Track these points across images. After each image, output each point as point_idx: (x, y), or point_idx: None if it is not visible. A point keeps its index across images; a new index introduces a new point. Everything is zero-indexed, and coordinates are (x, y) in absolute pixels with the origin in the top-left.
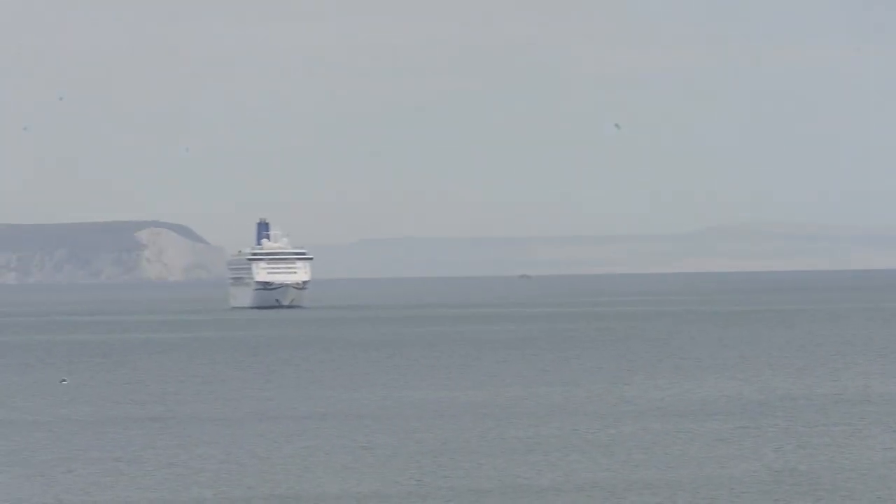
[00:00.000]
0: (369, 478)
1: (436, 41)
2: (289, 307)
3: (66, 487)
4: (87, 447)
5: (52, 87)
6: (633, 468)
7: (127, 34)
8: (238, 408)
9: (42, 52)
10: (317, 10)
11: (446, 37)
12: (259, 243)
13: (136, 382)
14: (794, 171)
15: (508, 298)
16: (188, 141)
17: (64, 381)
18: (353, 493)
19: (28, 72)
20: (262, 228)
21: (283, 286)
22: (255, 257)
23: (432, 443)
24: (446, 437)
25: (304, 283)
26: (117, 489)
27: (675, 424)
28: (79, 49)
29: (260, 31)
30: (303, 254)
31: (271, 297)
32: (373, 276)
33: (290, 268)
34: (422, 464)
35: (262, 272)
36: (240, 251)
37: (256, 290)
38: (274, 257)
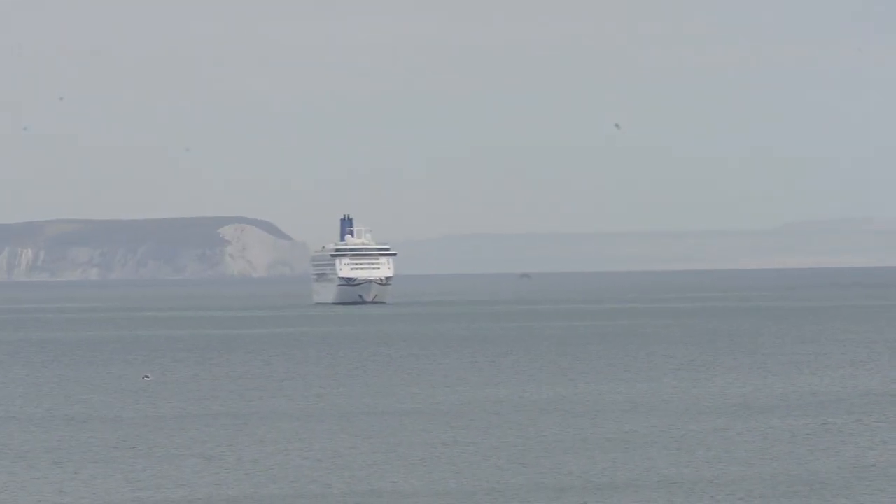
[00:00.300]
0: (447, 475)
1: (523, 40)
2: (372, 303)
3: (145, 483)
4: (167, 444)
5: (77, 87)
6: (712, 464)
7: (213, 27)
8: (318, 404)
9: (110, 52)
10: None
11: (527, 36)
12: (343, 239)
13: (218, 379)
14: (879, 166)
15: (591, 294)
16: (272, 136)
17: (147, 377)
18: (430, 491)
19: (88, 72)
20: (346, 224)
21: (366, 282)
22: (339, 253)
23: (513, 439)
24: (527, 433)
25: (388, 279)
26: (197, 485)
27: (756, 421)
28: (161, 45)
29: (340, 24)
30: (386, 250)
31: (354, 294)
32: (457, 272)
33: (373, 264)
34: (501, 460)
35: (345, 268)
36: (323, 247)
37: (340, 286)
38: (357, 253)
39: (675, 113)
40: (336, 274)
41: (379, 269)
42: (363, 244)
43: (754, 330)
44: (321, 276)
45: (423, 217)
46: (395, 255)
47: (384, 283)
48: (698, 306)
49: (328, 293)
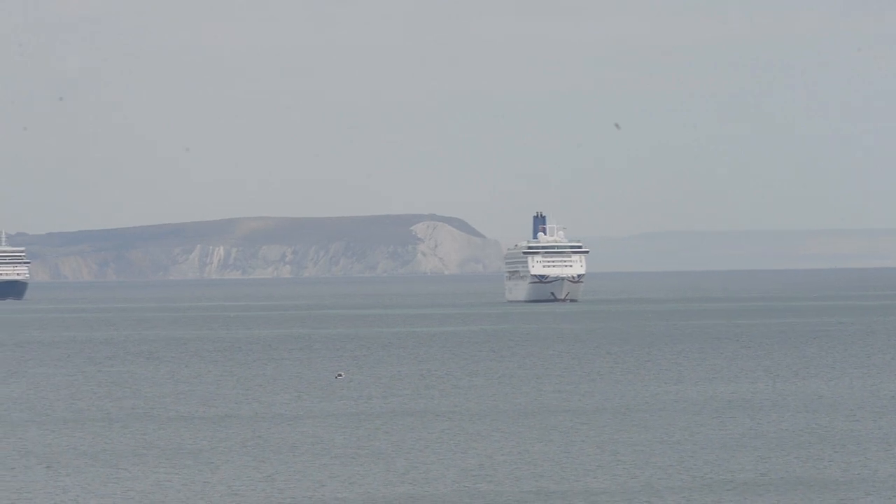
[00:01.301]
0: (613, 473)
1: (712, 40)
2: (564, 301)
3: (319, 480)
4: (345, 442)
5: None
6: (870, 464)
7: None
8: (503, 402)
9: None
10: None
11: (717, 35)
12: (535, 237)
13: (405, 377)
14: None
15: (775, 292)
16: (465, 134)
17: (340, 375)
18: (597, 489)
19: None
20: (539, 222)
21: (558, 280)
22: (531, 251)
23: (678, 436)
24: (694, 431)
25: (580, 276)
26: (368, 482)
27: None
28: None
29: (536, 23)
30: (578, 247)
31: (547, 291)
32: (649, 270)
33: (565, 261)
34: (663, 458)
35: (537, 266)
36: (516, 245)
37: (532, 283)
38: (550, 251)
39: (862, 108)
40: (528, 271)
41: (571, 266)
42: (556, 242)
43: None
44: (514, 274)
45: (617, 214)
46: (587, 252)
47: (576, 280)
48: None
49: (521, 291)
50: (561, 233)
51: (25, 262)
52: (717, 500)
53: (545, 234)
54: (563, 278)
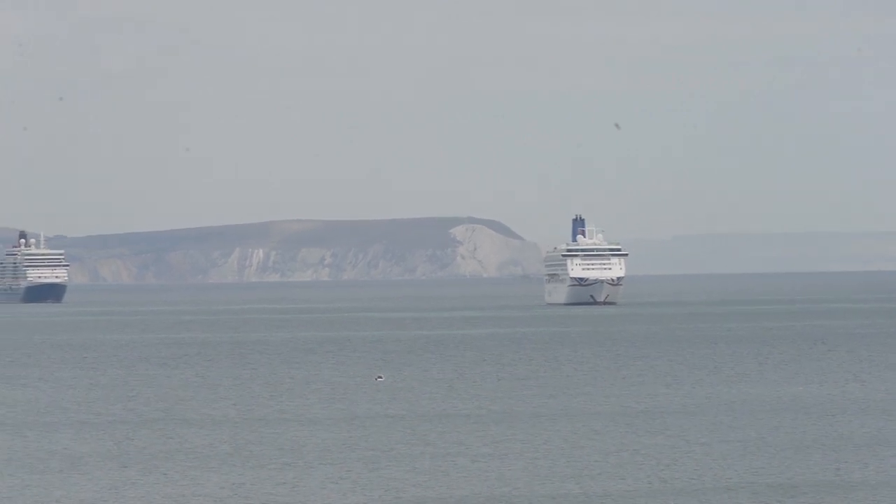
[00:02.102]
0: (678, 473)
1: (766, 39)
2: (603, 303)
3: (370, 481)
4: (394, 443)
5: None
6: None
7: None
8: (544, 405)
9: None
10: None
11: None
12: (574, 239)
13: (450, 380)
14: None
15: (814, 294)
16: (502, 136)
17: (380, 378)
18: (661, 490)
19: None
20: (578, 224)
21: (597, 282)
22: (570, 253)
23: (745, 438)
24: (761, 432)
25: (619, 279)
26: (426, 486)
27: None
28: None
29: (589, 25)
30: (618, 250)
31: (586, 294)
32: (689, 273)
33: (604, 264)
34: (731, 459)
35: (576, 268)
36: (555, 247)
37: (571, 286)
38: (589, 253)
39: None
40: (567, 274)
41: (610, 269)
42: (595, 244)
43: None
44: (553, 277)
45: (655, 217)
46: (626, 255)
47: (615, 283)
48: None
49: (560, 293)
50: (600, 235)
51: (65, 265)
52: (788, 501)
53: (584, 236)
54: (602, 281)
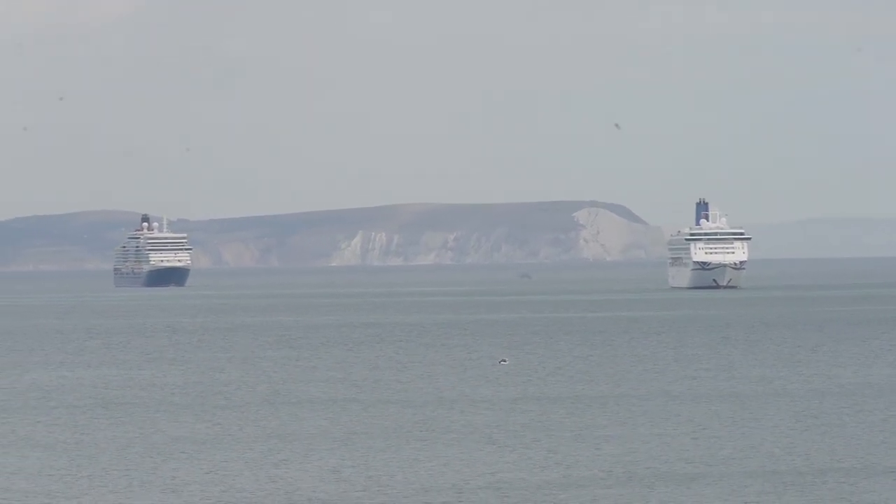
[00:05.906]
0: (745, 458)
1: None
2: (726, 288)
3: (478, 465)
4: (505, 425)
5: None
6: None
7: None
8: (665, 387)
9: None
10: None
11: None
12: (698, 223)
13: (572, 363)
14: None
15: None
16: (621, 120)
17: (504, 361)
18: (733, 473)
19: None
20: (702, 208)
21: (720, 266)
22: (693, 237)
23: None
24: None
25: (742, 263)
26: (546, 469)
27: None
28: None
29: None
30: (741, 234)
31: (709, 278)
32: (814, 257)
33: (727, 248)
34: (798, 440)
35: (699, 252)
36: (679, 231)
37: (694, 270)
38: (712, 237)
39: None
40: (690, 258)
41: (733, 253)
42: (718, 228)
43: None
44: (676, 261)
45: (779, 200)
46: (749, 239)
47: (738, 267)
48: None
49: (683, 277)
50: (724, 219)
51: (187, 249)
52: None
53: (707, 220)
54: (724, 265)
